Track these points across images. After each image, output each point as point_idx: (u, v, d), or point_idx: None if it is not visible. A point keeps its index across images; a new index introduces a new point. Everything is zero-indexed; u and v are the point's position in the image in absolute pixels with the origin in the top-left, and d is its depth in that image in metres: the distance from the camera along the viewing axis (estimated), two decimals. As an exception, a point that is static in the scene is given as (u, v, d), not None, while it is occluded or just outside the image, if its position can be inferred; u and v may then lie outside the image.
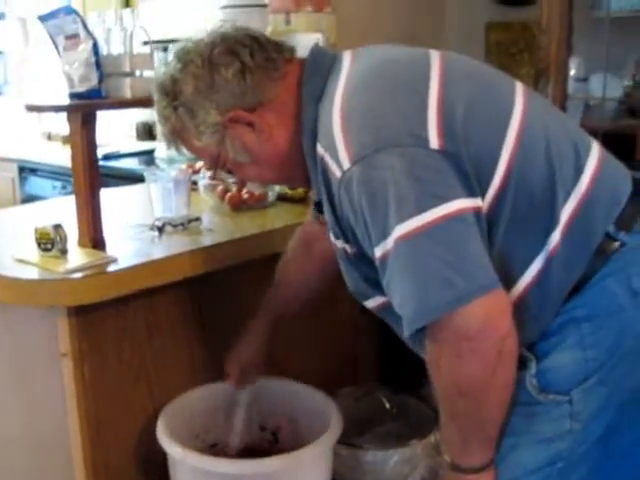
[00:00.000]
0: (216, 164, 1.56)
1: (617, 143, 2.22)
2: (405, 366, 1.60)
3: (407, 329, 1.28)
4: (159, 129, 1.57)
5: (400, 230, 1.25)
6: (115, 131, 4.75)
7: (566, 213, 1.36)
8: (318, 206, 1.55)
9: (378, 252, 1.30)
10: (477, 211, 1.30)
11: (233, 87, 1.44)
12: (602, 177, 1.40)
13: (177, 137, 1.53)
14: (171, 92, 1.48)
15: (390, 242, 1.26)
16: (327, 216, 1.47)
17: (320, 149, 1.39)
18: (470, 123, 1.33)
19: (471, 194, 1.29)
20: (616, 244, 1.38)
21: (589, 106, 2.65)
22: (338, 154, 1.32)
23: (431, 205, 1.24)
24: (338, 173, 1.33)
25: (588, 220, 1.37)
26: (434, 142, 1.29)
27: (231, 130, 1.48)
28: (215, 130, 1.48)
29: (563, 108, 2.39)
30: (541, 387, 1.39)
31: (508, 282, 1.34)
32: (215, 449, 2.06)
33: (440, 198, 1.25)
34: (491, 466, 1.40)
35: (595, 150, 1.45)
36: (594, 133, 2.29)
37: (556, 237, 1.35)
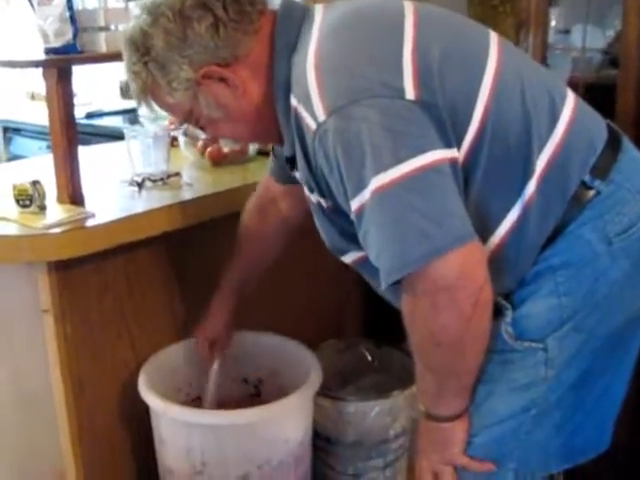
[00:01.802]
0: (189, 120, 1.53)
1: (599, 94, 2.22)
2: (389, 319, 1.60)
3: (384, 281, 1.28)
4: (130, 86, 1.53)
5: (377, 182, 1.24)
6: (99, 89, 4.70)
7: (542, 162, 1.36)
8: (289, 161, 1.53)
9: (354, 205, 1.29)
10: (453, 162, 1.30)
11: (206, 42, 1.40)
12: (577, 126, 1.40)
13: (148, 94, 1.50)
14: (141, 47, 1.44)
15: (367, 194, 1.26)
16: (300, 170, 1.46)
17: (293, 100, 1.37)
18: (446, 71, 1.32)
19: (447, 145, 1.29)
20: (592, 192, 1.38)
21: (576, 58, 2.64)
22: (313, 105, 1.31)
23: (407, 156, 1.24)
24: (313, 125, 1.32)
25: (563, 169, 1.37)
26: (410, 92, 1.28)
27: (204, 86, 1.44)
28: (188, 86, 1.44)
29: (544, 59, 2.39)
30: (516, 335, 1.40)
31: (485, 232, 1.35)
32: (197, 403, 2.08)
33: (416, 149, 1.25)
34: (465, 414, 1.42)
35: (570, 99, 1.44)
36: (576, 84, 2.30)
37: (532, 186, 1.36)
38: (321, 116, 1.29)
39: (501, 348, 1.40)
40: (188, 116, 1.51)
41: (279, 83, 1.42)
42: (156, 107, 1.54)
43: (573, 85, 2.00)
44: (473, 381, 1.40)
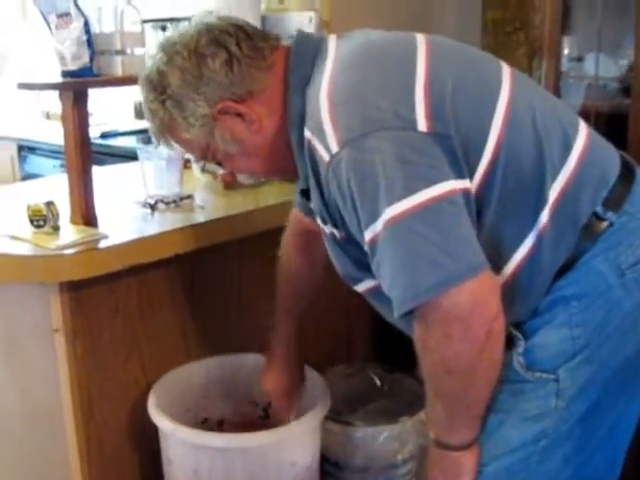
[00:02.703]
0: (205, 156, 1.55)
1: (611, 122, 2.22)
2: (399, 345, 1.61)
3: (397, 311, 1.28)
4: (148, 125, 1.54)
5: (390, 212, 1.25)
6: (114, 110, 4.73)
7: (554, 192, 1.36)
8: (304, 193, 1.54)
9: (368, 235, 1.30)
10: (466, 192, 1.30)
11: (221, 78, 1.42)
12: (590, 156, 1.41)
13: (166, 131, 1.51)
14: (158, 85, 1.46)
15: (380, 225, 1.26)
16: (314, 201, 1.47)
17: (307, 133, 1.38)
18: (458, 103, 1.33)
19: (460, 176, 1.29)
20: (604, 224, 1.39)
21: (589, 86, 2.65)
22: (326, 138, 1.32)
23: (420, 187, 1.24)
24: (326, 157, 1.33)
25: (576, 199, 1.38)
26: (422, 124, 1.29)
27: (220, 122, 1.46)
28: (205, 122, 1.46)
29: (557, 87, 2.40)
30: (528, 365, 1.40)
31: (499, 262, 1.35)
32: (206, 424, 2.08)
33: (429, 180, 1.25)
34: (475, 443, 1.42)
35: (583, 130, 1.45)
36: (589, 112, 2.30)
37: (545, 216, 1.36)
38: (334, 148, 1.30)
39: (513, 378, 1.40)
40: (205, 152, 1.53)
41: (293, 117, 1.43)
42: (174, 144, 1.55)
43: (586, 113, 2.00)
44: (484, 411, 1.39)
